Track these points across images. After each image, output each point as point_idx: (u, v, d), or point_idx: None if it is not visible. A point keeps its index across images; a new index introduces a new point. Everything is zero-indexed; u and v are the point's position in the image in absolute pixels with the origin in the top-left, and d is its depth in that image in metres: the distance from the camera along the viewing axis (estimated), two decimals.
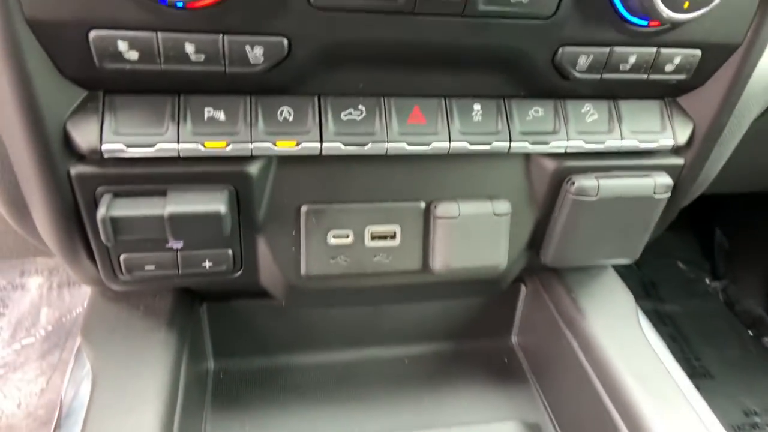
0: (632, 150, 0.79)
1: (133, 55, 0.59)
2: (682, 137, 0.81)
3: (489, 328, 1.14)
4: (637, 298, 0.99)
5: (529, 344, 1.11)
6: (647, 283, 2.25)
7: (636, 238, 0.87)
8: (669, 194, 0.83)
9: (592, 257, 0.89)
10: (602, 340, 0.90)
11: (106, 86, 0.64)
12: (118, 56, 0.58)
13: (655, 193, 0.81)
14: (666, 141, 0.80)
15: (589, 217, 0.82)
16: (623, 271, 1.04)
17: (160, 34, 0.58)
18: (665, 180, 0.81)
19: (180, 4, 0.55)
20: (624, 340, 0.90)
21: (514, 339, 1.15)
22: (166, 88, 0.65)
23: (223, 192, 0.70)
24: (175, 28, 0.58)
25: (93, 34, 0.57)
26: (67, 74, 0.61)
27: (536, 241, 0.88)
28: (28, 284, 1.93)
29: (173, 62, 0.60)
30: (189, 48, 0.59)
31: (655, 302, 2.16)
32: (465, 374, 1.08)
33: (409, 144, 0.72)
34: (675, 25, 0.67)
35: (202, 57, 0.60)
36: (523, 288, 1.10)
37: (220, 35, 0.59)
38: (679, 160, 0.84)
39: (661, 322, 2.09)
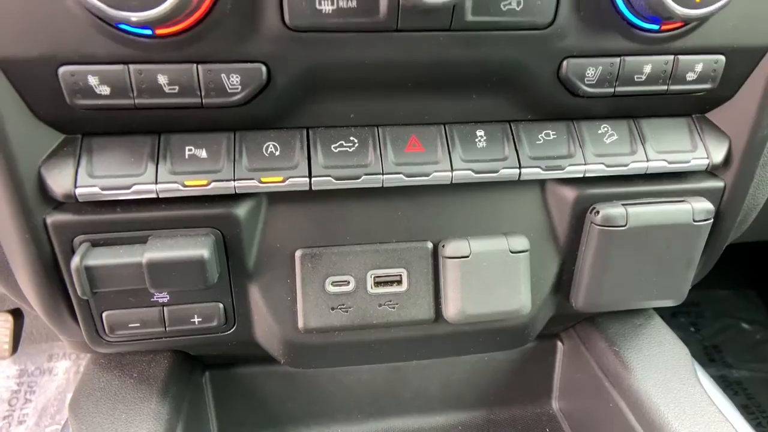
0: (661, 172, 0.71)
1: (105, 90, 0.56)
2: (718, 155, 0.72)
3: (525, 393, 1.01)
4: (701, 364, 0.86)
5: (572, 409, 0.97)
6: (710, 348, 2.04)
7: (679, 274, 0.76)
8: (711, 221, 0.72)
9: (631, 299, 0.78)
10: (655, 398, 0.76)
11: (83, 129, 0.62)
12: (89, 92, 0.56)
13: (694, 219, 0.71)
14: (699, 161, 0.71)
15: (620, 250, 0.72)
16: (682, 336, 0.91)
17: (131, 67, 0.56)
18: (705, 205, 0.72)
19: (149, 32, 0.53)
20: (681, 398, 0.76)
21: (554, 404, 1.01)
22: (146, 128, 0.63)
23: (208, 236, 0.64)
24: (147, 59, 0.56)
25: (62, 70, 0.55)
26: (41, 116, 0.59)
27: (563, 283, 0.78)
28: (55, 368, 1.90)
29: (147, 96, 0.57)
30: (162, 79, 0.57)
31: (721, 368, 1.94)
32: None
33: (407, 175, 0.66)
34: (690, 25, 0.61)
35: (176, 88, 0.57)
36: (559, 345, 0.98)
37: (194, 65, 0.57)
38: (718, 183, 0.74)
39: (731, 390, 1.87)
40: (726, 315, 2.15)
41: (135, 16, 0.47)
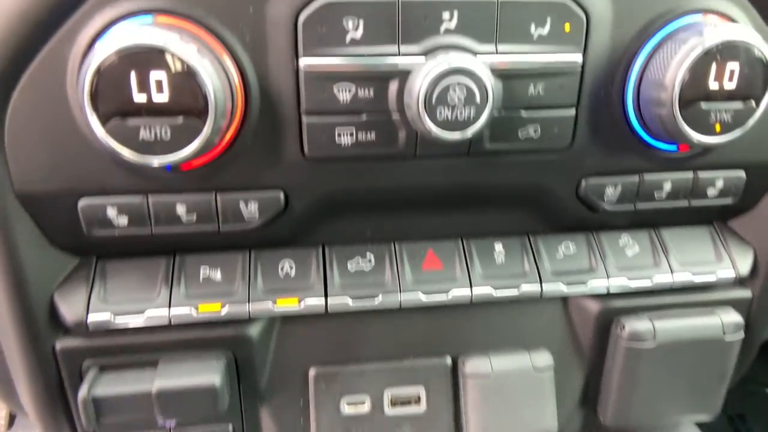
0: (687, 286, 0.69)
1: (123, 221, 0.56)
2: (744, 267, 0.70)
3: None
4: None
5: None
6: (734, 417, 1.94)
7: (712, 389, 0.72)
8: (742, 334, 0.70)
9: (661, 414, 0.74)
10: None
11: (98, 252, 0.61)
12: (107, 222, 0.56)
13: (725, 333, 0.69)
14: (726, 273, 0.69)
15: (649, 366, 0.69)
16: None
17: (150, 197, 0.56)
18: (734, 318, 0.69)
19: (169, 167, 0.53)
20: None
21: None
22: (162, 249, 0.62)
23: (219, 360, 0.62)
24: (166, 189, 0.56)
25: (82, 202, 0.55)
26: (56, 243, 0.59)
27: (590, 395, 0.74)
28: None
29: (164, 224, 0.57)
30: (180, 209, 0.56)
31: None
32: None
33: (426, 294, 0.64)
34: (709, 148, 0.61)
35: (194, 217, 0.57)
36: None
37: (213, 193, 0.57)
38: (745, 293, 0.72)
39: None
40: (750, 381, 2.05)
41: (160, 161, 0.48)
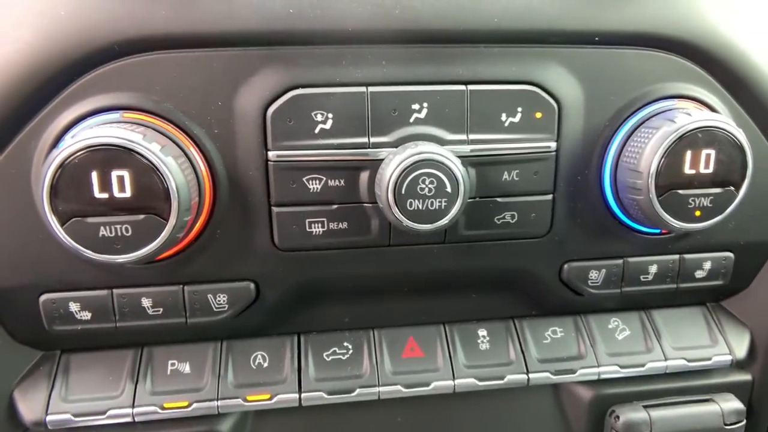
0: (682, 371, 0.65)
1: (86, 316, 0.54)
2: (740, 350, 0.67)
3: None
4: None
5: None
6: None
7: None
8: (744, 422, 0.66)
9: None
10: None
11: (62, 345, 0.59)
12: (70, 317, 0.54)
13: (725, 424, 0.65)
14: (721, 357, 0.66)
15: None
16: None
17: (115, 292, 0.54)
18: (734, 404, 0.65)
19: None
20: None
21: None
22: (130, 342, 0.59)
23: None
24: (132, 283, 0.54)
25: (43, 297, 0.53)
26: (18, 338, 0.56)
27: None
28: None
29: (129, 318, 0.55)
30: (146, 302, 0.54)
31: None
32: None
33: (406, 386, 0.61)
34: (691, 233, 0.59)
35: (160, 310, 0.55)
36: None
37: (180, 286, 0.55)
38: (745, 376, 0.68)
39: None
40: None
41: (121, 259, 0.46)
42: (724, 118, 0.52)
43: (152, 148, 0.45)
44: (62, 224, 0.45)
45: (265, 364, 0.60)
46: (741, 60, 0.57)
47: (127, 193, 0.45)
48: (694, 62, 0.57)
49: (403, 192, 0.48)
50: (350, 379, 0.60)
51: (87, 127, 0.48)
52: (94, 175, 0.45)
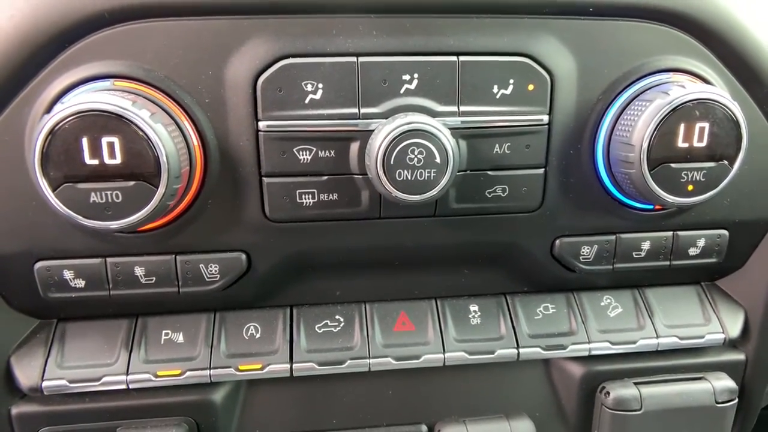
0: (673, 348, 0.65)
1: (80, 283, 0.55)
2: (734, 329, 0.66)
3: None
4: None
5: None
6: None
7: None
8: (735, 401, 0.66)
9: None
10: None
11: (59, 314, 0.60)
12: (64, 285, 0.55)
13: (717, 401, 0.65)
14: (714, 336, 0.66)
15: None
16: None
17: (108, 260, 0.54)
18: (726, 383, 0.65)
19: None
20: None
21: None
22: (124, 311, 0.60)
23: (180, 427, 0.60)
24: (125, 252, 0.55)
25: (38, 265, 0.54)
26: (15, 306, 0.57)
27: None
28: None
29: (122, 287, 0.55)
30: (139, 271, 0.55)
31: None
32: None
33: (396, 359, 0.62)
34: (686, 208, 0.59)
35: (153, 279, 0.56)
36: None
37: (173, 256, 0.55)
38: (738, 356, 0.68)
39: None
40: None
41: (114, 224, 0.47)
42: (719, 91, 0.51)
43: (142, 115, 0.45)
44: (53, 190, 0.46)
45: (258, 335, 0.61)
46: (739, 33, 0.56)
47: (118, 160, 0.46)
48: (690, 35, 0.56)
49: (392, 162, 0.48)
50: (341, 350, 0.61)
51: (78, 94, 0.48)
52: (85, 141, 0.45)
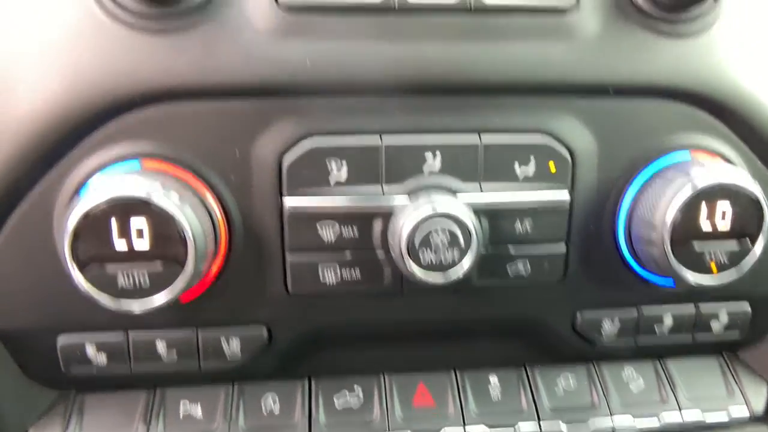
0: (697, 426, 0.64)
1: (102, 359, 0.55)
2: (758, 403, 0.65)
3: None
4: None
5: None
6: None
7: None
8: None
9: None
10: None
11: (77, 385, 0.59)
12: (86, 360, 0.55)
13: None
14: (739, 411, 0.64)
15: None
16: None
17: (130, 334, 0.54)
18: None
19: None
20: None
21: None
22: (143, 383, 0.60)
23: None
24: (146, 325, 0.55)
25: (61, 339, 0.54)
26: (35, 378, 0.57)
27: None
28: None
29: (144, 362, 0.55)
30: (160, 346, 0.55)
31: None
32: None
33: None
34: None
35: (174, 354, 0.55)
36: None
37: (194, 329, 0.55)
38: (762, 430, 0.67)
39: None
40: None
41: (137, 308, 0.47)
42: (740, 171, 0.52)
43: (171, 197, 0.46)
44: (81, 269, 0.46)
45: (276, 410, 0.60)
46: (756, 110, 0.57)
47: (146, 242, 0.46)
48: (708, 112, 0.57)
49: (416, 244, 0.49)
50: (360, 426, 0.60)
51: (108, 176, 0.49)
52: (114, 225, 0.46)
